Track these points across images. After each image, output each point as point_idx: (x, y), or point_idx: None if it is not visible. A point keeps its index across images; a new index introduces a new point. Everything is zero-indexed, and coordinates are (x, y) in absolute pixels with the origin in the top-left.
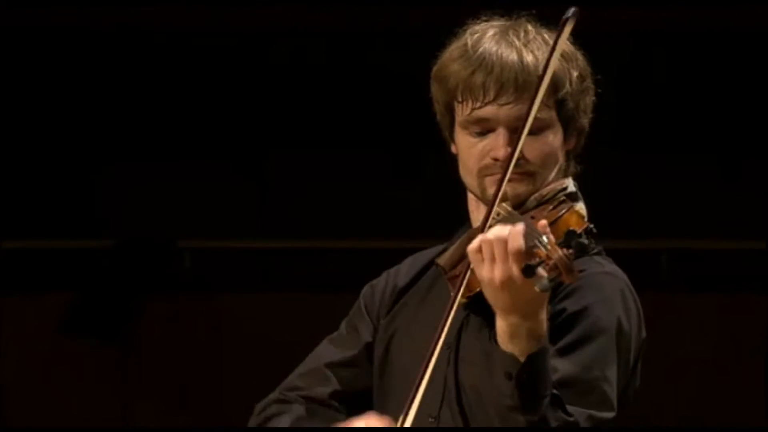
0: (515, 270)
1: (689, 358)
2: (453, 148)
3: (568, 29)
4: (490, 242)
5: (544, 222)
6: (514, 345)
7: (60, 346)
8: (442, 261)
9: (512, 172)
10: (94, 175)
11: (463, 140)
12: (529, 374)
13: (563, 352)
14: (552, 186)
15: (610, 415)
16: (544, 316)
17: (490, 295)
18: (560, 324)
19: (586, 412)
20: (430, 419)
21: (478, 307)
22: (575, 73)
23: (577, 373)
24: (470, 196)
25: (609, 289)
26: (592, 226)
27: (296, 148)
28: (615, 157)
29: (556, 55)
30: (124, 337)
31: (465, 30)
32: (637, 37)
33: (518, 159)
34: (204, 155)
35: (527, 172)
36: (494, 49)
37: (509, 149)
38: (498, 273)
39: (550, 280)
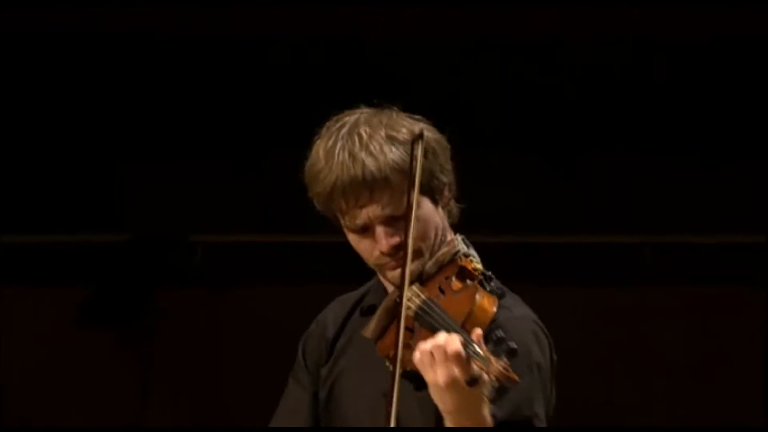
0: (457, 371)
1: (671, 349)
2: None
3: (419, 150)
4: (428, 351)
5: (478, 332)
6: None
7: (78, 335)
8: (368, 333)
9: (399, 258)
10: (111, 173)
11: (352, 239)
12: None
13: (494, 399)
14: (445, 250)
15: None
16: (487, 411)
17: (437, 397)
18: (509, 364)
19: None
20: None
21: (416, 381)
22: (418, 152)
23: (510, 416)
24: None
25: (522, 332)
26: (489, 273)
27: (296, 148)
28: (614, 157)
29: (384, 140)
30: (139, 326)
31: (318, 134)
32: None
33: (398, 246)
34: (213, 156)
35: (413, 252)
36: (340, 160)
37: (388, 243)
38: (441, 376)
39: (494, 390)
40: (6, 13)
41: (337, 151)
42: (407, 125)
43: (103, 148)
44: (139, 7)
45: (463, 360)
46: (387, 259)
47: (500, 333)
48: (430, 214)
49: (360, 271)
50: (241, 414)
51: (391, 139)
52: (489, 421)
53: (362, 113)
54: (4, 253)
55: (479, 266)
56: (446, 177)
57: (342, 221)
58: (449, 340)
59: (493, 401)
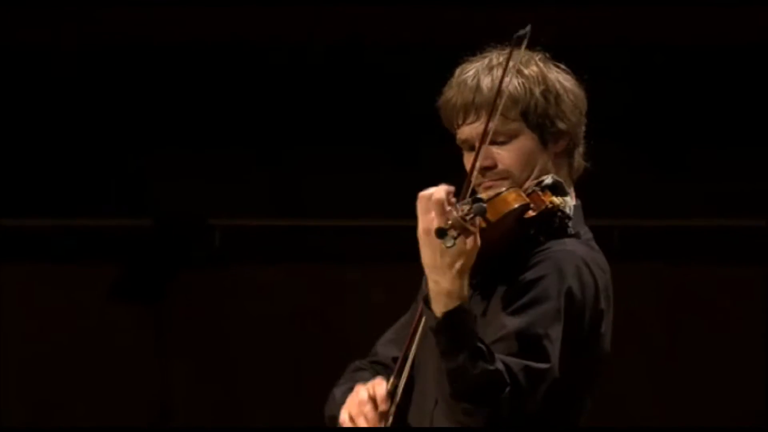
0: (430, 222)
1: (640, 322)
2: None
3: (517, 51)
4: (420, 197)
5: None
6: (436, 304)
7: (107, 310)
8: None
9: (489, 179)
10: (139, 165)
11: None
12: (445, 329)
13: (514, 312)
14: (532, 182)
15: (546, 366)
16: (462, 280)
17: (421, 252)
18: (517, 290)
19: (523, 363)
20: (425, 416)
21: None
22: (537, 90)
23: (520, 329)
24: None
25: (565, 262)
26: (566, 213)
27: (304, 144)
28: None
29: (512, 71)
30: (162, 302)
31: (464, 64)
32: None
33: (491, 167)
34: (230, 149)
35: (502, 176)
36: (464, 78)
37: (483, 161)
38: (421, 225)
39: (453, 238)
40: (43, 17)
41: (467, 71)
42: (541, 67)
43: (133, 143)
44: (167, 16)
45: (441, 208)
46: (481, 180)
47: (481, 198)
48: (531, 149)
49: (361, 252)
50: (250, 379)
51: (518, 72)
52: (464, 291)
53: (516, 50)
54: (42, 235)
55: (558, 202)
56: (565, 126)
57: (456, 138)
58: (436, 190)
59: (510, 315)
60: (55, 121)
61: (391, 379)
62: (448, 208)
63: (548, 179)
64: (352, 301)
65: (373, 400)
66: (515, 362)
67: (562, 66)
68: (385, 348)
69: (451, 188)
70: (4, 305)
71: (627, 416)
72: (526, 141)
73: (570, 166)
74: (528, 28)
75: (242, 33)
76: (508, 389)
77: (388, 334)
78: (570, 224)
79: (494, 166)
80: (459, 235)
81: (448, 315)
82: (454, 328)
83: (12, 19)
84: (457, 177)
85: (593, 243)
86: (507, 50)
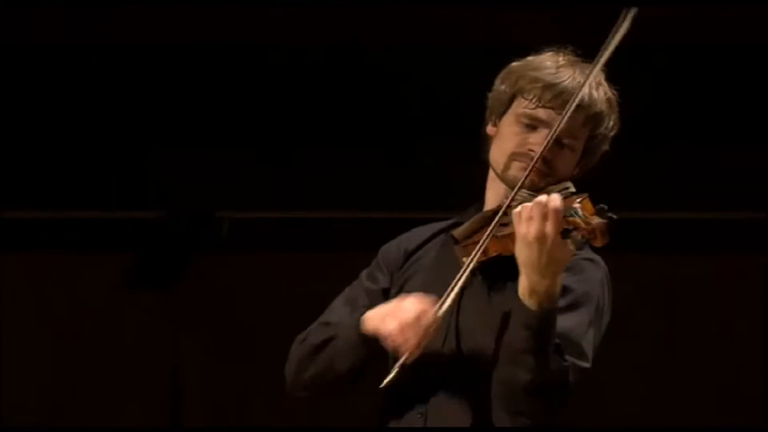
0: (549, 228)
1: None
2: (489, 129)
3: (623, 28)
4: (530, 206)
5: (584, 197)
6: (533, 300)
7: (124, 295)
8: (457, 234)
9: (537, 166)
10: (155, 161)
11: (510, 128)
12: (541, 325)
13: (559, 313)
14: (557, 185)
15: (587, 365)
16: (560, 279)
17: (521, 251)
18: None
19: (571, 360)
20: (433, 353)
21: (484, 273)
22: (611, 121)
23: (569, 330)
24: (490, 177)
25: (594, 273)
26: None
27: (308, 142)
28: None
29: (600, 87)
30: (174, 287)
31: (553, 52)
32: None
33: (545, 158)
34: (238, 146)
35: (544, 171)
36: (569, 72)
37: (541, 147)
38: (533, 229)
39: (584, 241)
40: (64, 19)
41: (569, 67)
42: (609, 89)
43: (150, 142)
44: (190, 23)
45: (559, 216)
46: (526, 159)
47: (603, 207)
48: (572, 164)
49: (359, 242)
50: (256, 356)
51: (608, 99)
52: (559, 290)
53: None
54: (66, 225)
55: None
56: (605, 147)
57: (516, 108)
58: (551, 198)
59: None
60: (81, 124)
61: (437, 305)
62: (564, 213)
63: (571, 186)
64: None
65: (419, 321)
66: (568, 360)
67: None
68: (339, 316)
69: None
70: (32, 290)
71: (621, 410)
72: (573, 156)
73: (575, 173)
74: (635, 9)
75: (249, 36)
76: (567, 387)
77: (335, 308)
78: None
79: (546, 160)
80: (589, 239)
81: (547, 312)
82: (549, 325)
83: (33, 18)
84: (453, 173)
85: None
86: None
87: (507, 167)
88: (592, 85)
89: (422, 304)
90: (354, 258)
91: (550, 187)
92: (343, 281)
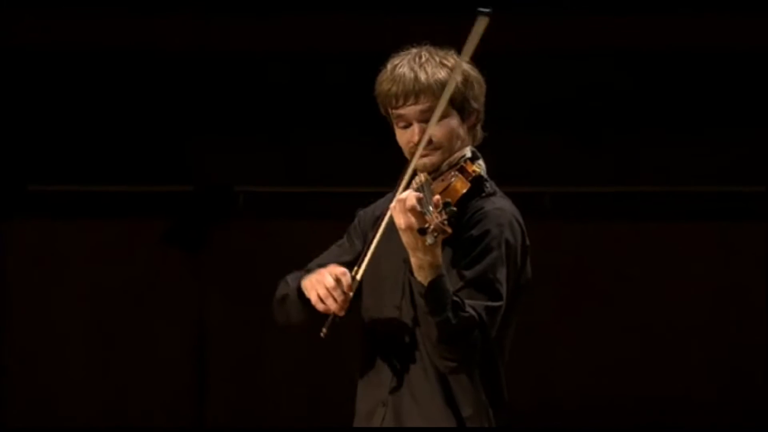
0: (413, 221)
1: (566, 270)
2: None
3: (480, 23)
4: (397, 202)
5: (437, 197)
6: (420, 274)
7: (158, 256)
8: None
9: (425, 150)
10: (187, 145)
11: (397, 133)
12: (432, 293)
13: (468, 264)
14: (456, 155)
15: (500, 303)
16: (438, 252)
17: (402, 237)
18: (467, 244)
19: (483, 304)
20: (395, 308)
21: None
22: (459, 78)
23: (476, 276)
24: None
25: (500, 218)
26: (484, 176)
27: (311, 127)
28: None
29: (438, 64)
30: (200, 250)
31: (389, 59)
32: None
33: (428, 141)
34: (253, 132)
35: (435, 148)
36: (401, 71)
37: (420, 135)
38: (401, 221)
39: (434, 237)
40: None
41: (400, 66)
42: (454, 58)
43: (182, 130)
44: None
45: (417, 212)
46: (413, 148)
47: (449, 201)
48: (456, 125)
49: (349, 211)
50: (268, 304)
51: (441, 65)
52: (436, 260)
53: (427, 47)
54: (114, 197)
55: (478, 169)
56: (476, 105)
57: (392, 116)
58: (408, 197)
59: (466, 267)
60: (130, 118)
61: (354, 269)
62: (420, 209)
63: (468, 152)
64: None
65: (339, 284)
66: (478, 304)
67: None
68: (321, 267)
69: (420, 195)
70: (87, 250)
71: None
72: (452, 119)
73: (475, 136)
74: (489, 9)
75: (263, 49)
76: (477, 328)
77: (320, 260)
78: (488, 184)
79: (430, 141)
80: (438, 234)
81: (434, 282)
82: (439, 291)
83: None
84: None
85: (502, 193)
86: (422, 47)
87: (410, 157)
88: (417, 70)
89: (339, 271)
90: (345, 225)
91: (451, 159)
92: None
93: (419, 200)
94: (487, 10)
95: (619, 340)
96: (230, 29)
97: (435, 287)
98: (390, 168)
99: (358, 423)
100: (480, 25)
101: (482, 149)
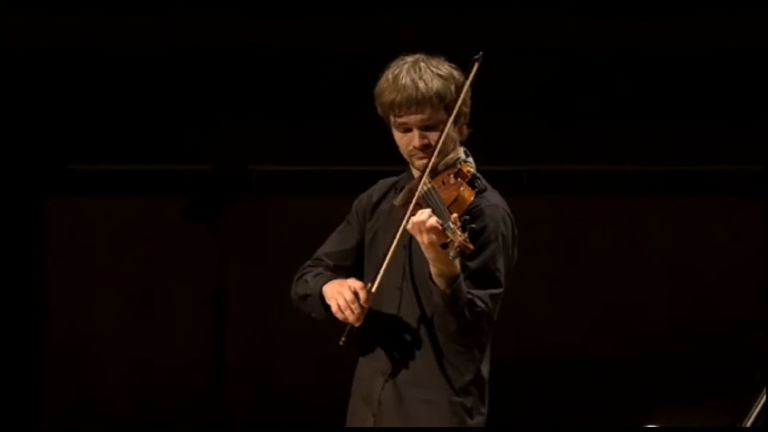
0: (434, 239)
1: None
2: (395, 136)
3: (474, 69)
4: (415, 223)
5: (455, 216)
6: (440, 281)
7: (182, 228)
8: (397, 202)
9: (425, 153)
10: (207, 128)
11: (396, 135)
12: (453, 298)
13: (471, 256)
14: (451, 155)
15: (501, 290)
16: (458, 263)
17: (424, 250)
18: (469, 238)
19: (488, 292)
20: (396, 289)
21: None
22: (452, 87)
23: (479, 268)
24: None
25: (495, 214)
26: (478, 174)
27: (318, 116)
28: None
29: (434, 74)
30: (220, 222)
31: (389, 66)
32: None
33: (428, 145)
34: (265, 116)
35: (431, 151)
36: (403, 82)
37: (420, 141)
38: (425, 239)
39: (457, 251)
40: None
41: (402, 76)
42: (448, 67)
43: (203, 113)
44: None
45: (438, 231)
46: (417, 153)
47: (467, 218)
48: (451, 130)
49: (357, 188)
50: (281, 271)
51: (438, 75)
52: (456, 269)
53: (420, 56)
54: (142, 174)
55: (472, 169)
56: (467, 108)
57: (393, 122)
58: (426, 220)
59: (469, 258)
60: (159, 105)
61: (369, 284)
62: (441, 228)
63: (462, 153)
64: None
65: (357, 298)
66: (482, 293)
67: (454, 65)
68: (327, 255)
69: (436, 219)
70: (118, 223)
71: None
72: (446, 124)
73: (463, 134)
74: (480, 54)
75: (276, 41)
76: (486, 316)
77: (326, 248)
78: (479, 181)
79: (429, 145)
80: (460, 250)
81: (455, 290)
82: (459, 294)
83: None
84: None
85: (491, 187)
86: (416, 57)
87: (411, 163)
88: (417, 81)
89: (357, 285)
90: (350, 201)
91: (447, 160)
92: (340, 219)
93: (435, 213)
94: (478, 56)
95: (587, 300)
96: (248, 26)
97: (455, 292)
98: (392, 148)
99: (358, 386)
100: (474, 69)
101: (471, 133)
